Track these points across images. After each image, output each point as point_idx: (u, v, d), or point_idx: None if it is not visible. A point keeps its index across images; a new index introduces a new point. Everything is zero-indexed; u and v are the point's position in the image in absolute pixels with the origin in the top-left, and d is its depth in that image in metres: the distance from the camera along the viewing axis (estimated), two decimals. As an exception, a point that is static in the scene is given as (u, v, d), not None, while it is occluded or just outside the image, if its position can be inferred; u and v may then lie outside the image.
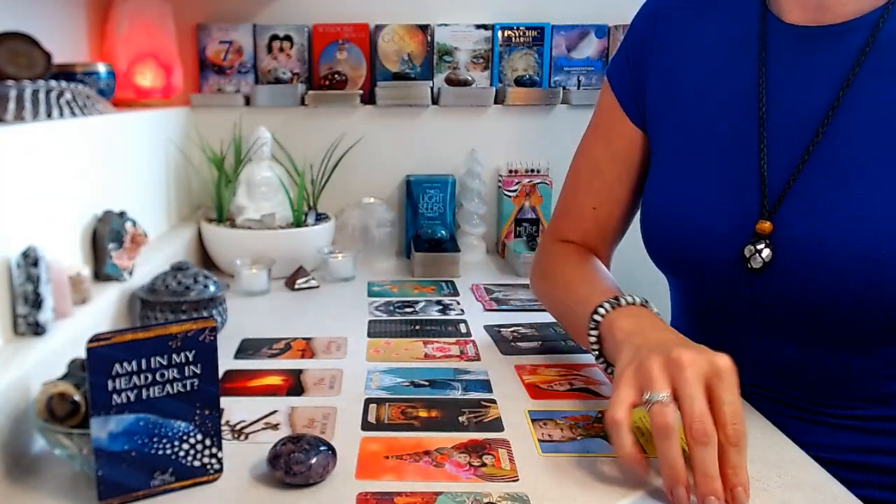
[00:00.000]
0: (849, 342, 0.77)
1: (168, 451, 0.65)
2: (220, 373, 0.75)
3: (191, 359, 0.65)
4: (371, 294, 1.26)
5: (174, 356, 0.64)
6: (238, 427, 0.77)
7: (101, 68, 1.18)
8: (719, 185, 0.82)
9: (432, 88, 1.56)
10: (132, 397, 0.62)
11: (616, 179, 0.94)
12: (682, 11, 0.90)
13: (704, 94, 0.85)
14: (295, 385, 0.88)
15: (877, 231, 0.71)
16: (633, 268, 1.05)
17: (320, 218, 1.40)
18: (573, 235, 0.97)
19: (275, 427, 0.78)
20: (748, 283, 0.80)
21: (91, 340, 0.60)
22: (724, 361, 0.65)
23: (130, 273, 1.01)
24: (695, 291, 0.91)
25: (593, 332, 0.78)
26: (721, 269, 0.81)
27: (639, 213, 0.93)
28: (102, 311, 0.91)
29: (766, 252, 0.77)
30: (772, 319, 0.81)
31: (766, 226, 0.77)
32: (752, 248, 0.78)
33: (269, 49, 1.57)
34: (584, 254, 0.94)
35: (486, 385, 0.88)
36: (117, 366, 0.61)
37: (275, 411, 0.81)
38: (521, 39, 1.59)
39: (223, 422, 0.78)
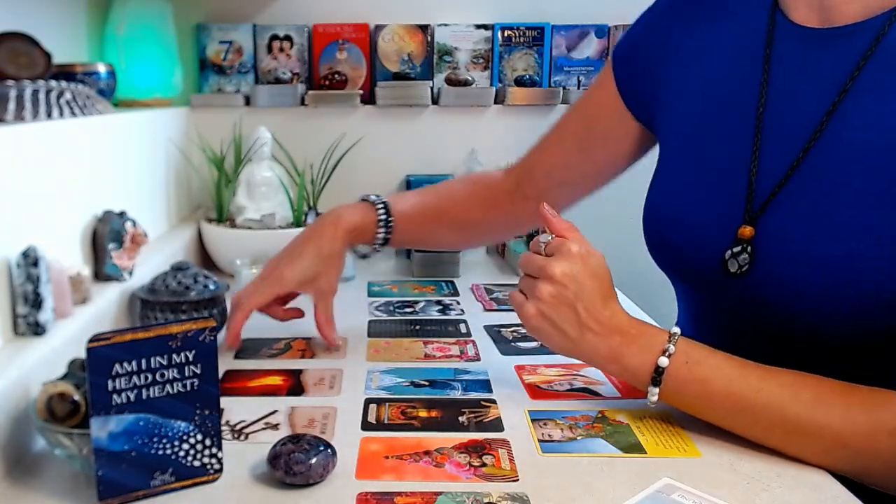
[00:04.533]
0: (825, 355, 0.75)
1: (168, 451, 0.65)
2: (220, 373, 0.75)
3: (191, 359, 0.65)
4: (371, 294, 1.26)
5: (174, 356, 0.64)
6: (238, 427, 0.77)
7: (101, 68, 1.18)
8: (709, 185, 0.81)
9: (432, 88, 1.56)
10: (132, 397, 0.62)
11: (577, 149, 1.03)
12: (695, 5, 0.89)
13: (709, 92, 0.84)
14: (295, 385, 0.88)
15: (851, 249, 0.70)
16: (645, 269, 1.03)
17: (320, 218, 1.40)
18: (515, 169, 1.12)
19: (275, 427, 0.78)
20: (728, 288, 0.78)
21: (91, 340, 0.60)
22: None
23: (130, 273, 1.01)
24: (686, 293, 0.91)
25: None
26: (703, 271, 0.80)
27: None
28: (102, 311, 0.91)
29: (744, 257, 0.76)
30: (753, 326, 0.79)
31: (747, 231, 0.76)
32: (730, 251, 0.77)
33: (269, 49, 1.57)
34: (469, 181, 1.14)
35: (486, 385, 0.88)
36: (117, 366, 0.61)
37: (275, 411, 0.81)
38: (521, 39, 1.59)
39: (223, 422, 0.78)
